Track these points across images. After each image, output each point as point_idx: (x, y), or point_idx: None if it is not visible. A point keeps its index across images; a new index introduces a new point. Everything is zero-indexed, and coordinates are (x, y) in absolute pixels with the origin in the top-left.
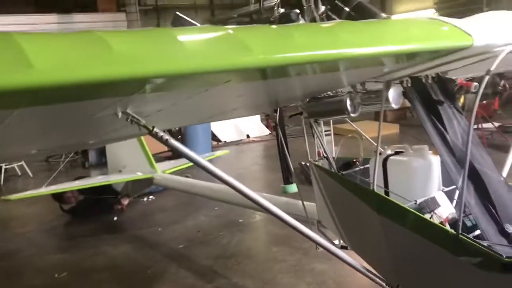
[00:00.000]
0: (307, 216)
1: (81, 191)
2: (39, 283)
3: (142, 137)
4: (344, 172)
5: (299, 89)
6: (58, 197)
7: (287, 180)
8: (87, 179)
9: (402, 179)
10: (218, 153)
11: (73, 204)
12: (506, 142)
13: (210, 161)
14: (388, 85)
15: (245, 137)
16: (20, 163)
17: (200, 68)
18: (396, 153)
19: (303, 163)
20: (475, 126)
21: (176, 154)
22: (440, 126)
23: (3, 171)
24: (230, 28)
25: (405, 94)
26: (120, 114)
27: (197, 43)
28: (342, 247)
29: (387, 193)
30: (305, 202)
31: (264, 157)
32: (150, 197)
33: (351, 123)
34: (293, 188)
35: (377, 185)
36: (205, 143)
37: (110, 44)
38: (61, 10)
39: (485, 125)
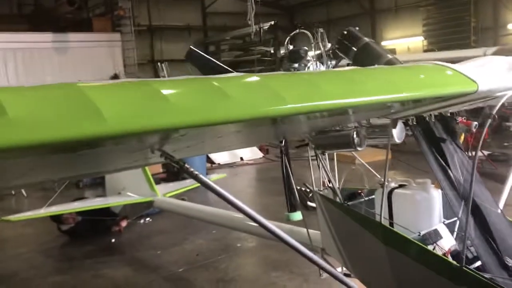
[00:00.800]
0: (311, 244)
1: (79, 212)
2: None
3: None
4: (349, 203)
5: (309, 126)
6: (56, 217)
7: (292, 208)
8: (86, 201)
9: (406, 211)
10: (215, 176)
11: (71, 225)
12: (496, 170)
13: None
14: (394, 123)
15: (239, 159)
16: None
17: (241, 117)
18: (400, 186)
19: (298, 187)
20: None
21: (173, 177)
22: (443, 162)
23: None
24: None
25: (410, 131)
26: (155, 151)
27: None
28: (346, 275)
29: (391, 224)
30: (309, 230)
31: (258, 180)
32: (147, 219)
33: (357, 156)
34: (297, 216)
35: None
36: (201, 166)
37: (167, 96)
38: (55, 28)
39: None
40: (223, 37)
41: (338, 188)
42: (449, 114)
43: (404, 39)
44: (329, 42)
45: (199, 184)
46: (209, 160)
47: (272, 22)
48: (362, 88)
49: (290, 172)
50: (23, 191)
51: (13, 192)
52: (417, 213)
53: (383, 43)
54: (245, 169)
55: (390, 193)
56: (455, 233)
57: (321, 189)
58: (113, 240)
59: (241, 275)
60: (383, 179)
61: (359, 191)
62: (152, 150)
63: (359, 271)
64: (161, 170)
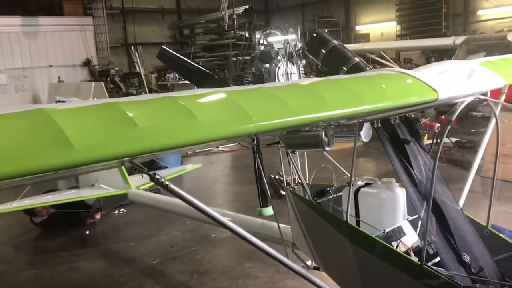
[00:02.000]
0: (282, 238)
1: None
2: None
3: None
4: (318, 201)
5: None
6: (29, 210)
7: (264, 203)
8: (59, 194)
9: (372, 209)
10: (190, 167)
11: (45, 217)
12: (463, 157)
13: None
14: (361, 126)
15: (214, 146)
16: None
17: (209, 138)
18: (366, 184)
19: (272, 176)
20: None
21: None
22: (406, 162)
23: None
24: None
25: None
26: (126, 164)
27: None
28: (315, 268)
29: (358, 222)
30: (280, 225)
31: (233, 168)
32: (122, 209)
33: (326, 153)
34: (269, 211)
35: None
36: (175, 155)
37: (134, 120)
38: (24, 12)
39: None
40: (197, 21)
41: (308, 184)
42: (413, 116)
43: (377, 24)
44: (300, 39)
45: (173, 176)
46: None
47: (247, 6)
48: (326, 103)
49: (262, 170)
50: None
51: None
52: (382, 211)
53: (357, 27)
54: (221, 156)
55: (356, 191)
56: (418, 229)
57: (292, 186)
58: (87, 232)
59: (216, 266)
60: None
61: (328, 189)
62: (122, 163)
63: (327, 266)
64: None
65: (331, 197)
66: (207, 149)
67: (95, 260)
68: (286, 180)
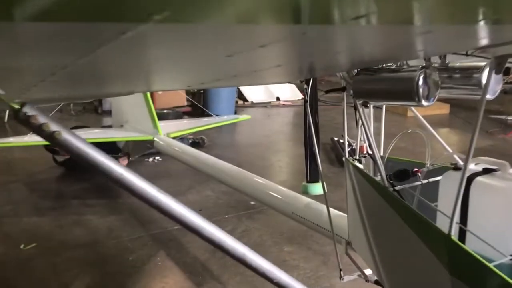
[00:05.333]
0: (332, 232)
1: None
2: None
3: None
4: (397, 187)
5: (346, 51)
6: (50, 147)
7: (312, 177)
8: (83, 131)
9: (495, 215)
10: (240, 117)
11: (67, 156)
12: None
13: (233, 124)
14: (500, 63)
15: (275, 99)
16: None
17: None
18: (486, 171)
19: (336, 138)
20: None
21: (197, 112)
22: None
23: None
24: None
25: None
26: None
27: None
28: (376, 283)
29: (464, 235)
30: (333, 211)
31: (292, 124)
32: (157, 158)
33: (416, 112)
34: (316, 188)
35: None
36: (229, 103)
37: None
38: None
39: None
40: None
41: (382, 158)
42: None
43: None
44: None
45: (223, 124)
46: (242, 97)
47: None
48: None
49: (313, 129)
50: None
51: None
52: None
53: None
54: (280, 110)
55: (470, 181)
56: None
57: (357, 157)
58: None
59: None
60: (457, 156)
61: (415, 170)
62: None
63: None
64: (185, 102)
65: (418, 183)
66: (266, 101)
67: (107, 215)
68: (349, 146)
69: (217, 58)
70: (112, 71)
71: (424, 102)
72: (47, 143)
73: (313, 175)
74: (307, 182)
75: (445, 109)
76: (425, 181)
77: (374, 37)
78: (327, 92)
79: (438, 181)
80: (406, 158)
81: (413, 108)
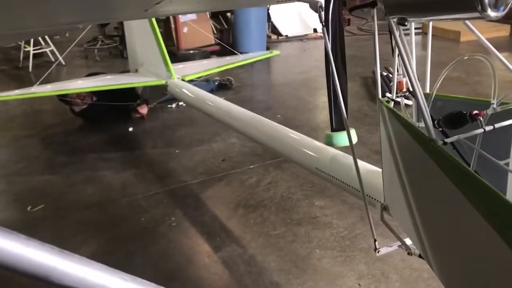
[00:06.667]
0: (363, 193)
1: (94, 92)
2: (3, 217)
3: (158, 31)
4: (448, 139)
5: None
6: (63, 98)
7: (337, 124)
8: (96, 78)
9: None
10: (267, 53)
11: (83, 106)
12: None
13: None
14: None
15: (312, 31)
16: (51, 48)
17: None
18: None
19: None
20: None
21: (226, 50)
22: None
23: (31, 56)
24: None
25: None
26: None
27: None
28: (421, 257)
29: None
30: (367, 166)
31: None
32: (180, 103)
33: (475, 30)
34: (341, 139)
35: None
36: (259, 37)
37: None
38: None
39: None
40: None
41: (429, 96)
42: None
43: None
44: None
45: (252, 60)
46: (275, 31)
47: None
48: None
49: (333, 59)
50: (60, 58)
51: (52, 59)
52: None
53: None
54: (317, 43)
55: None
56: None
57: (394, 96)
58: (130, 129)
59: (272, 199)
60: None
61: (474, 112)
62: None
63: (439, 260)
64: (213, 41)
65: (480, 131)
66: (302, 34)
67: (123, 170)
68: (385, 82)
69: None
70: None
71: (490, 12)
72: (57, 94)
73: (338, 122)
74: (332, 131)
75: (504, 30)
76: (489, 127)
77: None
78: (351, 10)
79: (509, 127)
80: (460, 92)
81: (470, 25)
